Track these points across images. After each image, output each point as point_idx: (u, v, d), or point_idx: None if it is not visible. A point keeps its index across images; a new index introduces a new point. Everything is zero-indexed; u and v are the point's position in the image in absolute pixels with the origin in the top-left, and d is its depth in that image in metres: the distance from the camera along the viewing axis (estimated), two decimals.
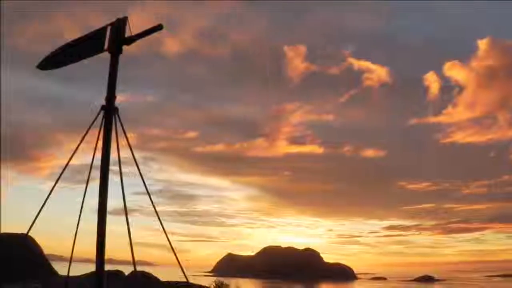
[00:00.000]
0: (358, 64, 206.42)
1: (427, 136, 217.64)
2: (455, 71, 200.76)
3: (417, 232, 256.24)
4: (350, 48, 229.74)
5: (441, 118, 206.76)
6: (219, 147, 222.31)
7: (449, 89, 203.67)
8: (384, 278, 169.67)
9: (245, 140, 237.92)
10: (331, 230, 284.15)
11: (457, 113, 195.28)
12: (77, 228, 5.86)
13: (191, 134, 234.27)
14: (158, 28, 5.57)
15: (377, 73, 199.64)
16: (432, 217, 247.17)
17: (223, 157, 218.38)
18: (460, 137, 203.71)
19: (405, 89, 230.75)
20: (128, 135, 5.69)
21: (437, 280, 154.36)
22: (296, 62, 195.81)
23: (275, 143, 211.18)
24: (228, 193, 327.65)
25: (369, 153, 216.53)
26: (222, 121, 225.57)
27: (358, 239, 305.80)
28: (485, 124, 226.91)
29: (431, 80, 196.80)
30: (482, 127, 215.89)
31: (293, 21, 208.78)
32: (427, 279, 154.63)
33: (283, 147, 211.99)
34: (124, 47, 5.76)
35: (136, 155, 5.76)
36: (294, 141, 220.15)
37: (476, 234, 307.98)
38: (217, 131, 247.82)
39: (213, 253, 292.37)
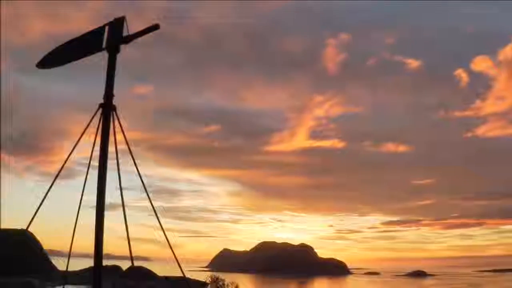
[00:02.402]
0: (393, 57, 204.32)
1: (451, 131, 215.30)
2: (485, 66, 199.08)
3: (414, 228, 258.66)
4: (388, 41, 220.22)
5: (468, 113, 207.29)
6: (221, 143, 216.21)
7: (479, 83, 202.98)
8: (377, 273, 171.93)
9: (262, 134, 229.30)
10: (331, 225, 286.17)
11: (485, 106, 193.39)
12: (75, 223, 5.89)
13: (173, 126, 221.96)
14: (155, 27, 5.78)
15: (411, 66, 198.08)
16: (430, 213, 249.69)
17: (227, 152, 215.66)
18: (482, 131, 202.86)
19: (436, 83, 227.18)
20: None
21: (429, 275, 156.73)
22: (331, 52, 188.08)
23: (294, 138, 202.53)
24: (218, 188, 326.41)
25: (390, 148, 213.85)
26: (222, 114, 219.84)
27: (354, 234, 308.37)
28: (509, 118, 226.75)
29: (461, 74, 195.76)
30: (507, 121, 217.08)
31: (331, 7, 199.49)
32: (419, 274, 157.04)
33: (302, 142, 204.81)
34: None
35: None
36: (315, 135, 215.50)
37: (469, 230, 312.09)
38: (222, 125, 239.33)
39: (206, 249, 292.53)
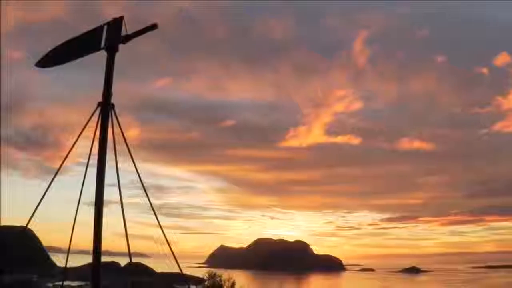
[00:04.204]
0: (416, 53, 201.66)
1: (469, 127, 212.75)
2: (506, 62, 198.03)
3: (412, 225, 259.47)
4: (420, 35, 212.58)
5: (488, 109, 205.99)
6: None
7: (500, 80, 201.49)
8: (372, 270, 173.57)
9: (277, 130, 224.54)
10: (330, 222, 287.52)
11: (505, 103, 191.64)
12: (74, 220, 5.96)
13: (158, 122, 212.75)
14: (153, 27, 5.86)
15: (434, 62, 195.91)
16: (429, 211, 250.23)
17: (219, 148, 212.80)
18: (499, 127, 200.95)
19: (457, 80, 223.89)
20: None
21: (423, 271, 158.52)
22: (357, 45, 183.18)
23: (309, 133, 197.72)
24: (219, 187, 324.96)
25: (404, 144, 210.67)
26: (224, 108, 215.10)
27: (351, 231, 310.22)
28: None
29: (483, 71, 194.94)
30: None
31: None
32: (413, 270, 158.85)
33: (317, 137, 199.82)
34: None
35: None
36: (331, 131, 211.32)
37: (462, 227, 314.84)
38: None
39: (202, 245, 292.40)
